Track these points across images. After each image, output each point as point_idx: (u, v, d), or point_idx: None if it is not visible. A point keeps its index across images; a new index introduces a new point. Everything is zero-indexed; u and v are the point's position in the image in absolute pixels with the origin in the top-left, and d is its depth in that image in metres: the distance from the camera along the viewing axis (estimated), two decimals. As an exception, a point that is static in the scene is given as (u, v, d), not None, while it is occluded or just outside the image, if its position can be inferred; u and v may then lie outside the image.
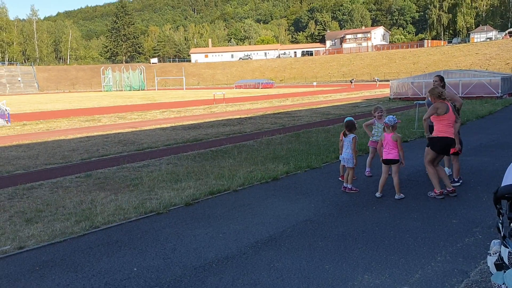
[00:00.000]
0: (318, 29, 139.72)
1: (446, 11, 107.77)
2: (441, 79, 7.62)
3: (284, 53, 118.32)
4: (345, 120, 7.00)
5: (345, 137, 6.84)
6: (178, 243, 4.83)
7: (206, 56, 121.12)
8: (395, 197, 6.26)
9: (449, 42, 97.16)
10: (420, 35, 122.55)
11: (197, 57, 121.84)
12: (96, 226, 5.43)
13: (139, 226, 5.44)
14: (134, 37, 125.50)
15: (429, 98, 7.45)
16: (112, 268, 4.24)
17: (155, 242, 4.88)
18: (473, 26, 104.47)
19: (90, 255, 4.60)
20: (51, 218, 5.80)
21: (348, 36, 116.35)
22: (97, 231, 5.30)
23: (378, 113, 7.78)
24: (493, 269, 1.88)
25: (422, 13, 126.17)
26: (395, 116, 6.53)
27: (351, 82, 60.66)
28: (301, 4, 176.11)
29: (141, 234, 5.17)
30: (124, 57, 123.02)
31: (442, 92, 6.38)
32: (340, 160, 7.32)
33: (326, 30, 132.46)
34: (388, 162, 6.35)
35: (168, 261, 4.37)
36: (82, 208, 6.22)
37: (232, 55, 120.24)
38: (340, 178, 7.45)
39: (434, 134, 6.31)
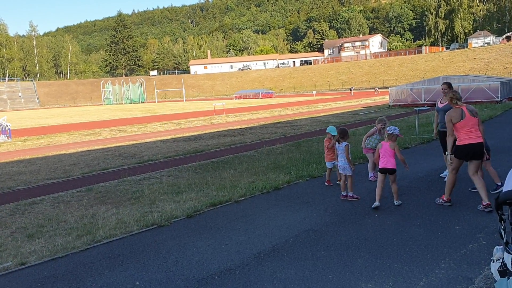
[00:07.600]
0: (316, 38, 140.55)
1: (442, 17, 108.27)
2: (449, 85, 7.64)
3: (283, 63, 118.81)
4: (338, 128, 7.05)
5: (338, 143, 6.87)
6: (180, 256, 4.81)
7: (205, 68, 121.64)
8: (394, 203, 6.28)
9: (447, 48, 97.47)
10: (418, 41, 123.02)
11: (196, 68, 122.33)
12: (98, 240, 5.41)
13: (141, 240, 5.42)
14: (133, 50, 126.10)
15: (438, 104, 7.56)
16: (114, 283, 4.22)
17: (157, 255, 4.86)
18: (471, 32, 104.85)
19: (92, 269, 4.57)
20: (52, 233, 5.78)
21: (346, 45, 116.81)
22: (99, 245, 5.29)
23: (381, 125, 7.68)
24: (496, 275, 1.86)
25: (419, 20, 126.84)
26: (398, 128, 6.50)
27: (351, 90, 60.86)
28: (299, 14, 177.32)
29: (143, 247, 5.15)
30: (123, 71, 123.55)
31: (455, 94, 6.06)
32: (329, 167, 7.73)
33: (324, 39, 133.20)
34: (385, 171, 6.26)
35: (171, 274, 4.34)
36: (83, 222, 6.21)
37: (231, 66, 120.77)
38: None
39: (457, 143, 5.97)
